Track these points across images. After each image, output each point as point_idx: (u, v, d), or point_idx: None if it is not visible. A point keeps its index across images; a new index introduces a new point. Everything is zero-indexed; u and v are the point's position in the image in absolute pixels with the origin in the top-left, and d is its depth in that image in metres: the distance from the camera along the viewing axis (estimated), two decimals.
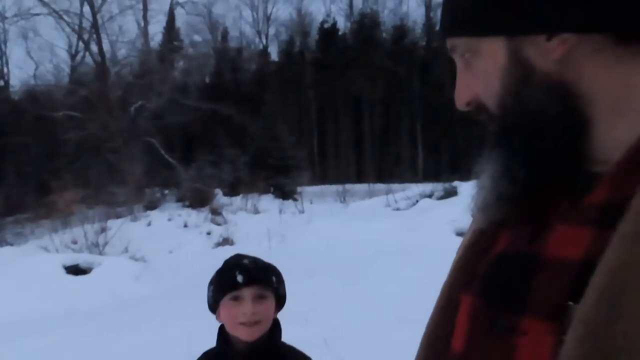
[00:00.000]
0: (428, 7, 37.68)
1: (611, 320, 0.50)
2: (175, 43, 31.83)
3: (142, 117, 23.40)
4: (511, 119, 0.66)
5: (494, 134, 0.68)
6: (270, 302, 1.47)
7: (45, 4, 24.09)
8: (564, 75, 0.63)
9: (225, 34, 39.40)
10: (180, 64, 31.94)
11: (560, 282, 0.57)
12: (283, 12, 67.48)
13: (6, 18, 27.01)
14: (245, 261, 1.49)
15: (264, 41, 40.20)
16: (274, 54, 40.53)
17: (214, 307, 1.51)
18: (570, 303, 0.54)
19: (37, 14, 25.18)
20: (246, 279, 1.44)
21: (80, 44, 27.42)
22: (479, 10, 0.67)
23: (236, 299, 1.44)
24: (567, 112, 0.62)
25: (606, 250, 0.53)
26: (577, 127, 0.62)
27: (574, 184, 0.62)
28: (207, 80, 36.84)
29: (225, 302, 1.45)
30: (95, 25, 24.62)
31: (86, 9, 24.59)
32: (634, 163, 0.58)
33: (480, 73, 0.68)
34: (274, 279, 1.49)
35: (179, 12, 32.97)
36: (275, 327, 1.50)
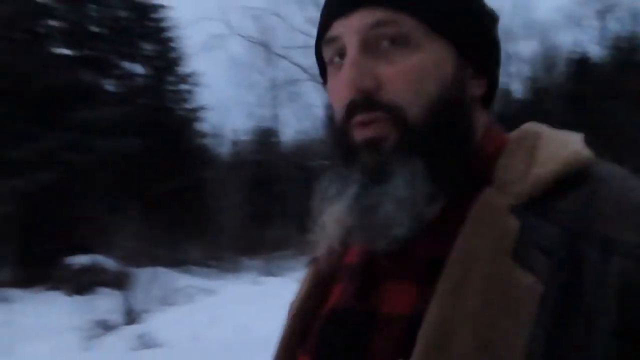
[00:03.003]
0: None
1: None
2: None
3: None
4: (439, 128, 0.60)
5: (406, 140, 0.59)
6: None
7: (305, 71, 28.05)
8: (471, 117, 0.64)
9: None
10: None
11: (392, 339, 0.58)
12: (525, 48, 64.14)
13: (278, 85, 32.10)
14: None
15: (506, 80, 39.19)
16: (517, 91, 39.15)
17: None
18: (401, 359, 0.55)
19: (300, 80, 29.36)
20: None
21: None
22: (454, 8, 0.62)
23: None
24: (472, 149, 0.63)
25: (429, 306, 0.54)
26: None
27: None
28: None
29: None
30: None
31: None
32: (451, 220, 0.58)
33: (414, 68, 0.59)
34: None
35: None
36: None
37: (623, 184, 0.57)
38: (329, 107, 0.66)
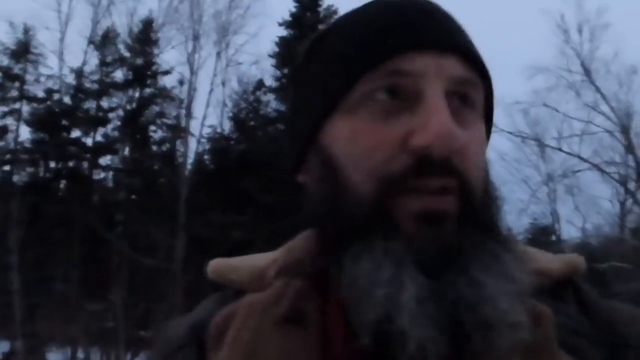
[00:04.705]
0: None
1: None
2: None
3: None
4: (490, 206, 0.54)
5: (470, 216, 0.51)
6: None
7: (585, 160, 25.25)
8: None
9: None
10: None
11: None
12: None
13: (554, 177, 29.63)
14: None
15: None
16: None
17: None
18: None
19: (580, 170, 26.55)
20: None
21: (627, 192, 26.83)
22: (492, 91, 0.60)
23: None
24: None
25: None
26: None
27: None
28: None
29: None
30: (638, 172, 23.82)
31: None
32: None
33: (481, 138, 0.55)
34: None
35: None
36: None
37: (594, 291, 0.60)
38: (330, 157, 0.53)
